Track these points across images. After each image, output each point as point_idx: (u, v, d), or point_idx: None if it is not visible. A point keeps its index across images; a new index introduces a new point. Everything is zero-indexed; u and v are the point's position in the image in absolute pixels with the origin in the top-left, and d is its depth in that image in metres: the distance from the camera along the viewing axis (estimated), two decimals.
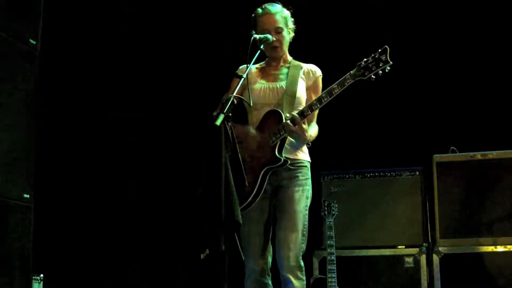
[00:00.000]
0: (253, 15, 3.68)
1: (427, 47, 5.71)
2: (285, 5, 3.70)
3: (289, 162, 3.51)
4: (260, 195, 3.47)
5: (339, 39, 5.79)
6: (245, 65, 3.50)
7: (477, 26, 5.61)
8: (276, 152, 3.48)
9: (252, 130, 3.56)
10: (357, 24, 5.85)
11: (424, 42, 5.71)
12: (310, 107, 3.47)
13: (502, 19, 5.59)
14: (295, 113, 3.45)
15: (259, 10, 3.66)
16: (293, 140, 3.57)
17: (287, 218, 3.51)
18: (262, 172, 3.47)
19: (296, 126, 3.42)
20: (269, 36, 3.56)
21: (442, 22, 5.70)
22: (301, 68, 3.67)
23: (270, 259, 3.59)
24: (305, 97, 3.62)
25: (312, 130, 3.58)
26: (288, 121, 3.43)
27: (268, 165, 3.48)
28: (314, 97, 3.55)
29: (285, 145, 3.53)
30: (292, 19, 3.71)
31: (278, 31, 3.61)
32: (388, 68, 3.38)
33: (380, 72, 3.39)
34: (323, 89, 3.56)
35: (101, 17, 5.34)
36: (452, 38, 5.66)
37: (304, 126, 3.47)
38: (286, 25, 3.65)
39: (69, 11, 5.11)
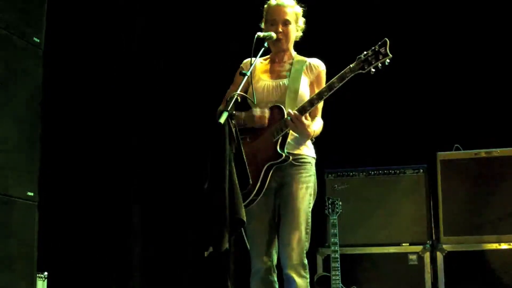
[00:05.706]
0: (265, 5, 3.66)
1: (431, 44, 5.70)
2: (299, 3, 3.69)
3: (291, 158, 3.48)
4: (263, 192, 3.44)
5: (342, 33, 5.79)
6: (249, 59, 3.49)
7: (481, 23, 5.60)
8: (278, 148, 3.45)
9: (256, 127, 3.55)
10: (361, 18, 5.84)
11: (428, 39, 5.71)
12: (310, 102, 3.43)
13: (505, 17, 5.58)
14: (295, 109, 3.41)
15: (272, 1, 3.66)
16: (297, 135, 3.56)
17: (290, 216, 3.48)
18: (264, 169, 3.44)
19: (297, 122, 3.36)
20: (272, 34, 3.53)
21: (447, 20, 5.69)
22: (305, 63, 3.64)
23: (275, 256, 3.59)
24: (309, 93, 3.57)
25: (316, 125, 3.52)
26: (289, 118, 3.40)
27: (269, 161, 3.45)
28: (317, 91, 3.52)
29: (289, 140, 3.50)
30: (304, 19, 3.69)
31: (285, 24, 3.59)
32: (388, 61, 3.31)
33: (380, 65, 3.32)
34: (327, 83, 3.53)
35: (103, 14, 5.34)
36: (457, 35, 5.65)
37: (306, 122, 3.40)
38: (296, 21, 3.63)
39: (71, 9, 5.12)
